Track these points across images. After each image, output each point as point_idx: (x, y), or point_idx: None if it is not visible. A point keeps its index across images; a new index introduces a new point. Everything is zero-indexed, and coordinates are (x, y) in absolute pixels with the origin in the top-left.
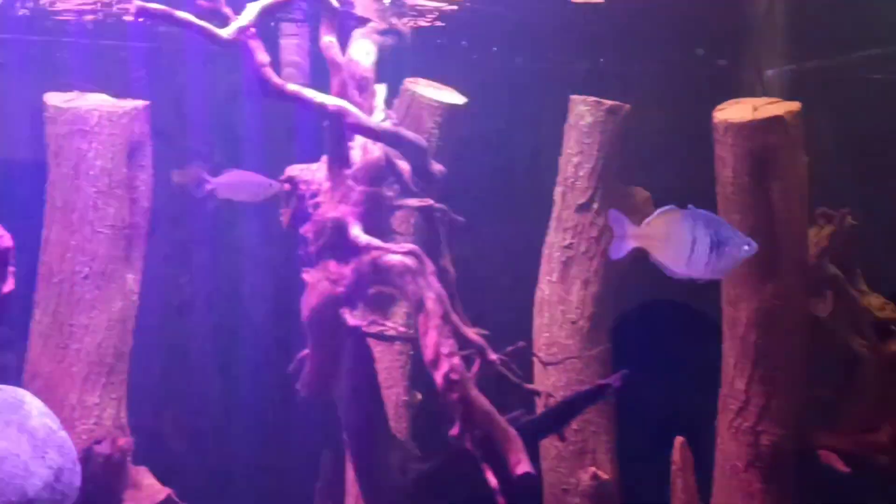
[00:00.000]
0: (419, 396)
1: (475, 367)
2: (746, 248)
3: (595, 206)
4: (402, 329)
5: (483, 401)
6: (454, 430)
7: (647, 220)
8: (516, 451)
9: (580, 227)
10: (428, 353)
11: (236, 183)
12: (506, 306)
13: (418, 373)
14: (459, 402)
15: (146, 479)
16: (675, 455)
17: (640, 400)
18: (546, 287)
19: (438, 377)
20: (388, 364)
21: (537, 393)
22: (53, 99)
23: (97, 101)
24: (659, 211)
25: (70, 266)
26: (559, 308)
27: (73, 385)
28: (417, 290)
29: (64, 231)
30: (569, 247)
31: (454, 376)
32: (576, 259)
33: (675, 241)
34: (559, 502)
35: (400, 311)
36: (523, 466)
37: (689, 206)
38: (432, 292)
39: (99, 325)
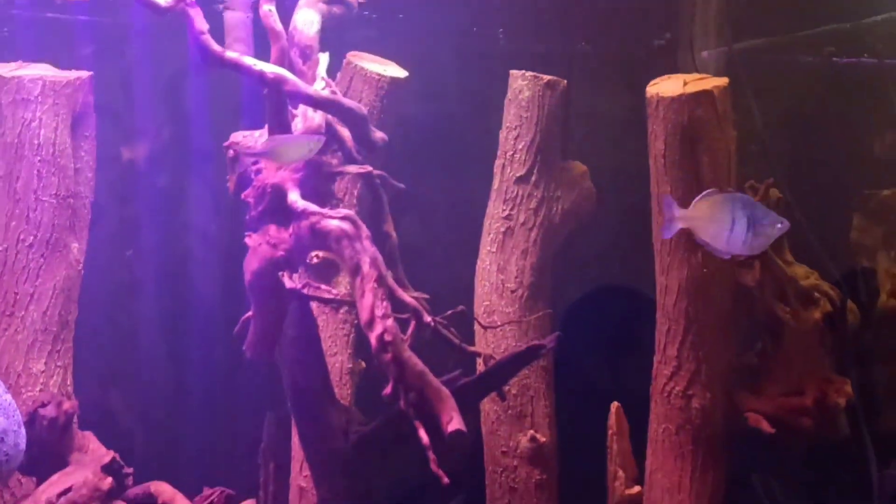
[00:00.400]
0: (363, 364)
1: (410, 330)
2: (779, 226)
3: (533, 178)
4: (336, 292)
5: (416, 361)
6: (387, 391)
7: (693, 203)
8: (448, 410)
9: (519, 198)
10: (363, 315)
11: (281, 146)
12: (449, 276)
13: (362, 342)
14: (392, 363)
15: (91, 444)
16: (611, 420)
17: (581, 371)
18: (486, 257)
19: (373, 338)
20: (332, 332)
21: (477, 354)
22: None
23: (41, 71)
24: (702, 194)
25: (14, 234)
26: (499, 277)
27: (19, 353)
28: (354, 255)
29: (8, 200)
30: (508, 218)
31: (388, 337)
32: (515, 230)
33: (716, 222)
34: (498, 464)
35: (344, 281)
36: (454, 424)
37: (729, 189)
38: (368, 256)
39: (44, 293)
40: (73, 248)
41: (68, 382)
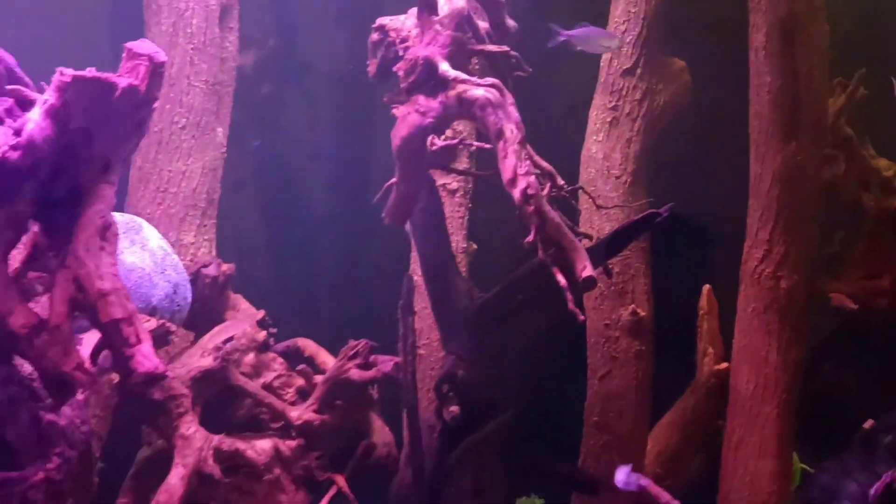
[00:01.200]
0: (474, 246)
1: (546, 189)
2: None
3: (638, 71)
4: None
5: (554, 215)
6: (529, 239)
7: None
8: (581, 259)
9: (624, 90)
10: (506, 175)
11: (587, 35)
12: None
13: (474, 225)
14: (535, 214)
15: (242, 304)
16: (702, 301)
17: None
18: (592, 145)
19: (517, 193)
20: (449, 214)
21: (588, 236)
22: None
23: None
24: None
25: (168, 117)
26: (604, 164)
27: (172, 225)
28: (497, 121)
29: (163, 84)
30: (613, 108)
31: (531, 191)
32: (620, 120)
33: None
34: (601, 335)
35: None
36: (587, 271)
37: None
38: (511, 122)
39: (194, 172)
40: (218, 132)
41: (213, 254)
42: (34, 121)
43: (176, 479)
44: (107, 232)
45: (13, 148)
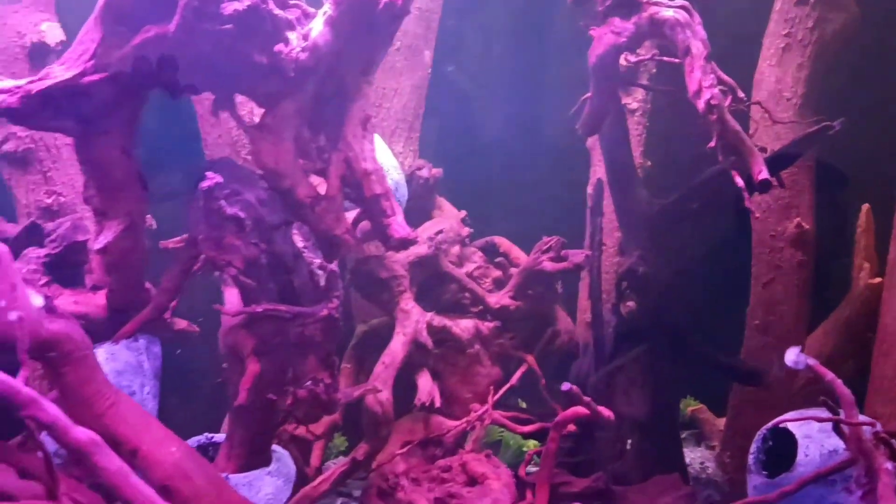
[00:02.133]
0: (649, 163)
1: (728, 101)
2: None
3: (811, 0)
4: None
5: (734, 123)
6: (711, 144)
7: None
8: (758, 164)
9: (798, 18)
10: (692, 87)
11: None
12: None
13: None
14: (717, 122)
15: (445, 205)
16: (861, 218)
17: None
18: (766, 69)
19: (701, 103)
20: (630, 131)
21: (763, 148)
22: None
23: None
24: None
25: None
26: (776, 87)
27: (383, 136)
28: (685, 39)
29: None
30: (787, 35)
31: (714, 101)
32: (792, 46)
33: None
34: (766, 246)
35: None
36: (763, 174)
37: None
38: (698, 40)
39: (404, 89)
40: (426, 55)
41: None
42: (317, 28)
43: (398, 344)
44: (367, 123)
45: (303, 50)
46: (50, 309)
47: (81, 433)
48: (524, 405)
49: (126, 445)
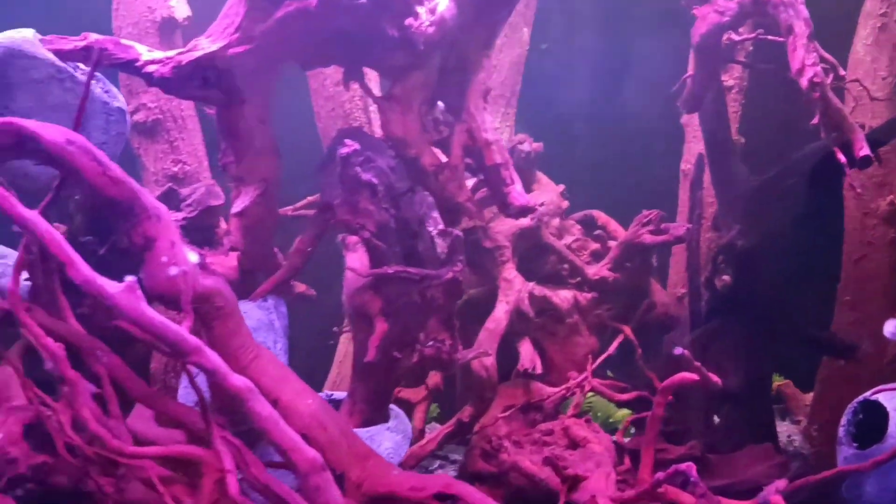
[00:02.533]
0: (742, 140)
1: (830, 78)
2: None
3: None
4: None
5: (836, 101)
6: (814, 121)
7: None
8: (860, 140)
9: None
10: (795, 65)
11: None
12: None
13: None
14: (820, 100)
15: (543, 178)
16: None
17: None
18: (861, 49)
19: (804, 81)
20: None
21: (861, 125)
22: None
23: None
24: None
25: None
26: (871, 65)
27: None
28: (788, 18)
29: None
30: (883, 15)
31: (816, 80)
32: (888, 25)
33: None
34: (859, 223)
35: None
36: (864, 150)
37: None
38: (800, 19)
39: (503, 65)
40: (524, 32)
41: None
42: (444, 3)
43: (501, 312)
44: (487, 95)
45: (431, 24)
46: (203, 266)
47: (239, 380)
48: (611, 375)
49: (268, 396)
